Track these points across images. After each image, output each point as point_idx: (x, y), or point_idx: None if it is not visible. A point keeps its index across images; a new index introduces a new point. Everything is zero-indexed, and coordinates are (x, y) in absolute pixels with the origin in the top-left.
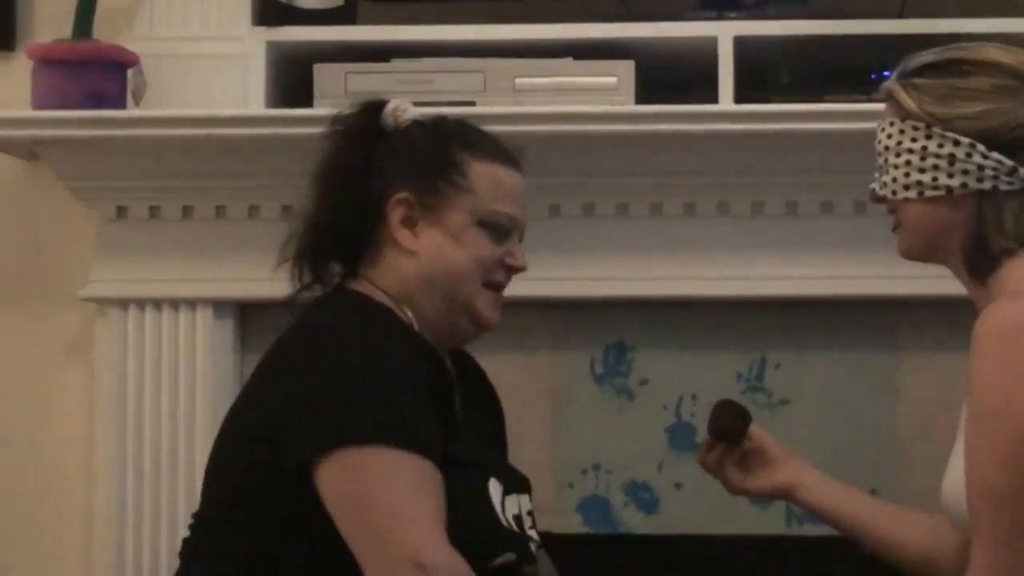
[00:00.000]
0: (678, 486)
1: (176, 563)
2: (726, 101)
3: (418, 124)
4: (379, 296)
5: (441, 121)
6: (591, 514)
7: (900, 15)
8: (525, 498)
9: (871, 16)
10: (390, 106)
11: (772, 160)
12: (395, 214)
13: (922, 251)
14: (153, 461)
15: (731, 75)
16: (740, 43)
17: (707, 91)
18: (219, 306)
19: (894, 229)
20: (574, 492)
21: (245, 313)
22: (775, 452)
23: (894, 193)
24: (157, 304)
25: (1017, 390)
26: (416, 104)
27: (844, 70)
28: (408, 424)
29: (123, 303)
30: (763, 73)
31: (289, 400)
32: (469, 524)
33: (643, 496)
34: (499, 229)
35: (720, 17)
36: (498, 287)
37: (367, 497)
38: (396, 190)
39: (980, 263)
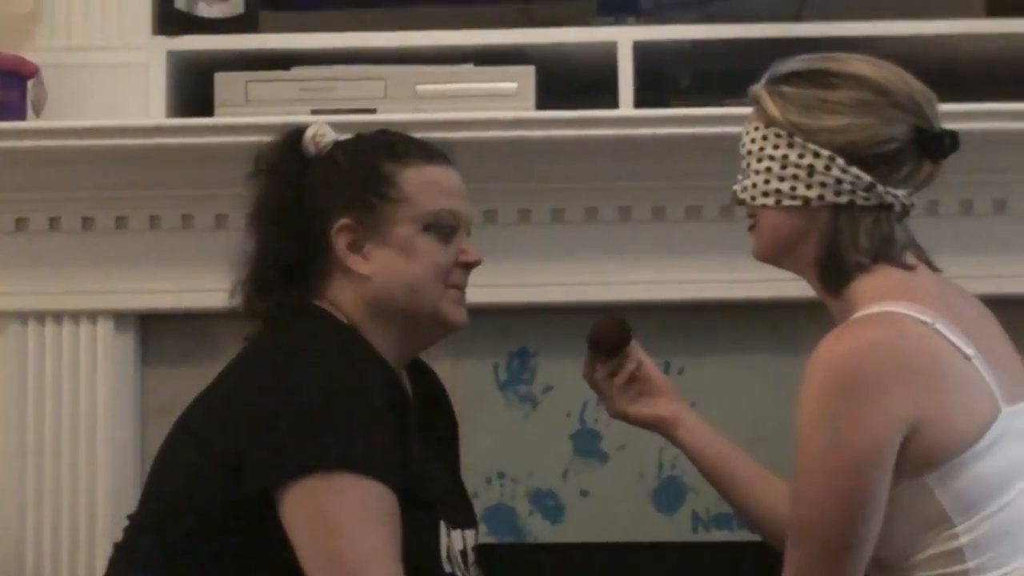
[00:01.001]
0: (584, 493)
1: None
2: (626, 106)
3: (339, 145)
4: (341, 317)
5: (361, 138)
6: (496, 523)
7: (797, 18)
8: (471, 533)
9: (769, 20)
10: (308, 133)
11: (673, 165)
12: (340, 242)
13: (775, 257)
14: (54, 475)
15: (631, 80)
16: (639, 48)
17: (608, 96)
18: (120, 318)
19: (750, 229)
20: (479, 501)
21: (146, 325)
22: (661, 384)
23: (753, 199)
24: (57, 316)
25: (837, 434)
26: (317, 112)
27: (743, 74)
28: (374, 452)
29: (23, 316)
30: (663, 78)
31: (256, 423)
32: (415, 567)
33: (548, 504)
34: (446, 229)
35: (619, 22)
36: (460, 287)
37: (331, 525)
38: (335, 218)
39: (833, 276)
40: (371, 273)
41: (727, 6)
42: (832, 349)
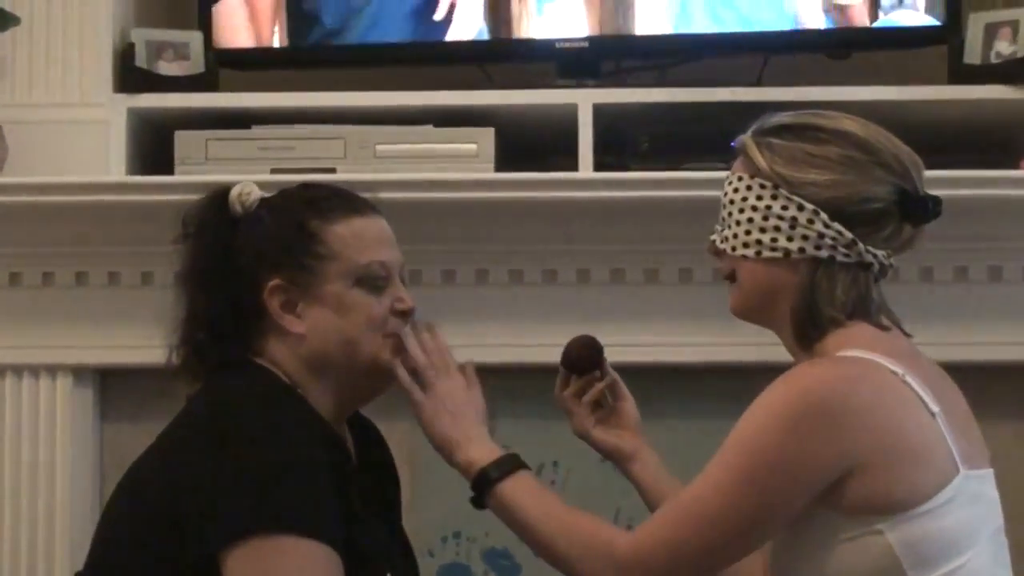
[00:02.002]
0: None
1: None
2: (586, 168)
3: (264, 203)
4: (280, 374)
5: (285, 195)
6: None
7: (758, 83)
8: None
9: (730, 84)
10: (234, 192)
11: (632, 227)
12: (273, 303)
13: (753, 310)
14: (12, 529)
15: (591, 143)
16: (600, 111)
17: (568, 158)
18: (79, 373)
19: (727, 278)
20: (434, 560)
21: (105, 380)
22: (628, 418)
23: (733, 249)
24: (17, 370)
25: (777, 448)
26: (276, 171)
27: (703, 137)
28: (315, 513)
29: None
30: (623, 140)
31: (196, 486)
32: None
33: (503, 563)
34: (377, 281)
35: (579, 85)
36: (399, 334)
37: None
38: (266, 279)
39: (807, 330)
40: (306, 332)
41: (688, 70)
42: (805, 373)
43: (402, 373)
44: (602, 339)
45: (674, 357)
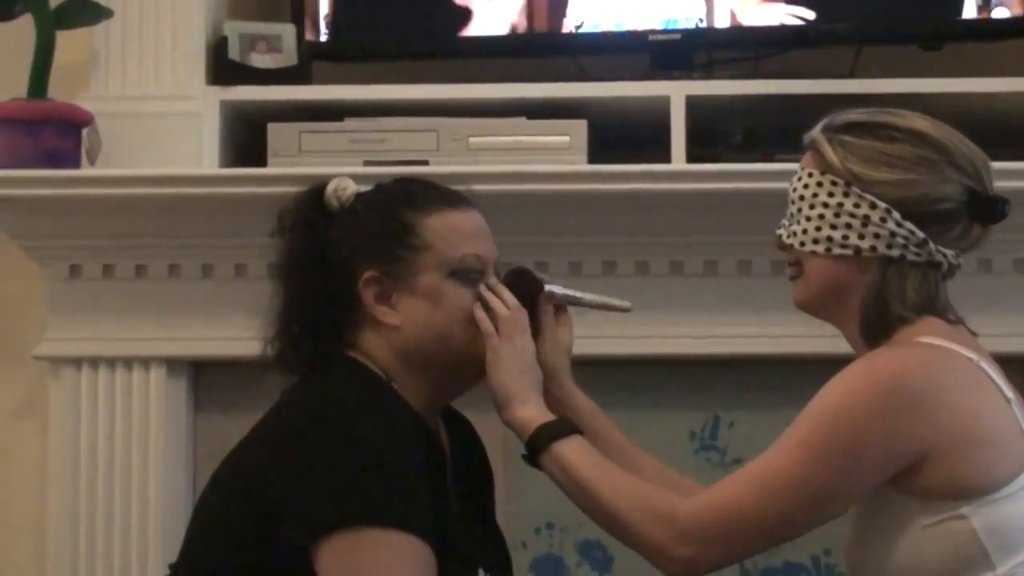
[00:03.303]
0: None
1: None
2: (678, 160)
3: (360, 198)
4: (374, 367)
5: (381, 188)
6: (545, 573)
7: (851, 75)
8: None
9: (822, 76)
10: (330, 188)
11: (724, 219)
12: (367, 294)
13: (818, 305)
14: (106, 520)
15: (683, 134)
16: (692, 103)
17: (660, 150)
18: (172, 365)
19: (793, 278)
20: (527, 551)
21: (199, 372)
22: (550, 370)
23: (802, 244)
24: (111, 363)
25: (856, 426)
26: (369, 163)
27: (796, 129)
28: (408, 507)
29: (76, 362)
30: (715, 132)
31: (290, 478)
32: None
33: (597, 555)
34: (471, 273)
35: (672, 77)
36: None
37: None
38: (361, 271)
39: (876, 327)
40: (400, 323)
41: (780, 62)
42: (887, 356)
43: (480, 314)
44: (696, 330)
45: (767, 348)
